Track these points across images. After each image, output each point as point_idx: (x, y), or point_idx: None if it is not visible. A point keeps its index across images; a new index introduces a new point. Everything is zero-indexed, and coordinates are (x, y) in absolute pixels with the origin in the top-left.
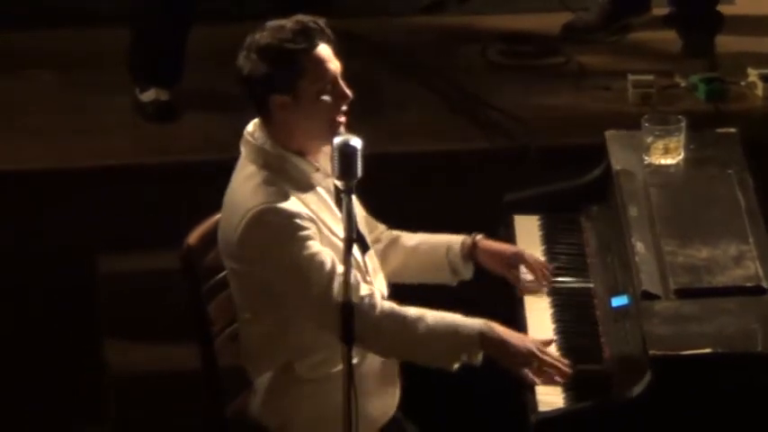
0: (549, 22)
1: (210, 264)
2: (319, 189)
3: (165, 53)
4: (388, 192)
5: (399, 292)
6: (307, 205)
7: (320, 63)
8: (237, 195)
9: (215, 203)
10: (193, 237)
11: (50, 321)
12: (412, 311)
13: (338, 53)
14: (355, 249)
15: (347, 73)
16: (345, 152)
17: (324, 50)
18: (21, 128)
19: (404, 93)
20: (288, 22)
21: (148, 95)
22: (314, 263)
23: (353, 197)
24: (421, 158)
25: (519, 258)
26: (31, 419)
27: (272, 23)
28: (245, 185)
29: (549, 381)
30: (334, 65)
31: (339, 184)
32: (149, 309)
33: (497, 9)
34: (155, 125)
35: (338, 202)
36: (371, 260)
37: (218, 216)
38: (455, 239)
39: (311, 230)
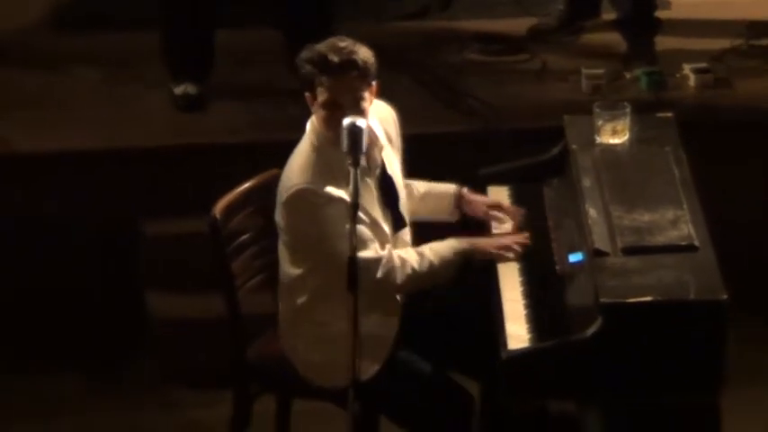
0: (517, 25)
1: (235, 228)
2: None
3: (191, 52)
4: None
5: None
6: (345, 188)
7: (323, 87)
8: (291, 165)
9: (237, 178)
10: (219, 207)
11: (102, 277)
12: (416, 259)
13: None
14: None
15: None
16: (353, 131)
17: (326, 81)
18: (76, 118)
19: (394, 85)
20: (322, 46)
21: (180, 89)
22: (341, 242)
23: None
24: (410, 139)
25: (499, 205)
26: (81, 360)
27: (324, 42)
28: (297, 157)
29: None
30: (329, 96)
31: (347, 158)
32: (184, 265)
33: (474, 14)
34: (186, 114)
35: (380, 188)
36: (405, 236)
37: (241, 188)
38: (452, 190)
39: (343, 214)
